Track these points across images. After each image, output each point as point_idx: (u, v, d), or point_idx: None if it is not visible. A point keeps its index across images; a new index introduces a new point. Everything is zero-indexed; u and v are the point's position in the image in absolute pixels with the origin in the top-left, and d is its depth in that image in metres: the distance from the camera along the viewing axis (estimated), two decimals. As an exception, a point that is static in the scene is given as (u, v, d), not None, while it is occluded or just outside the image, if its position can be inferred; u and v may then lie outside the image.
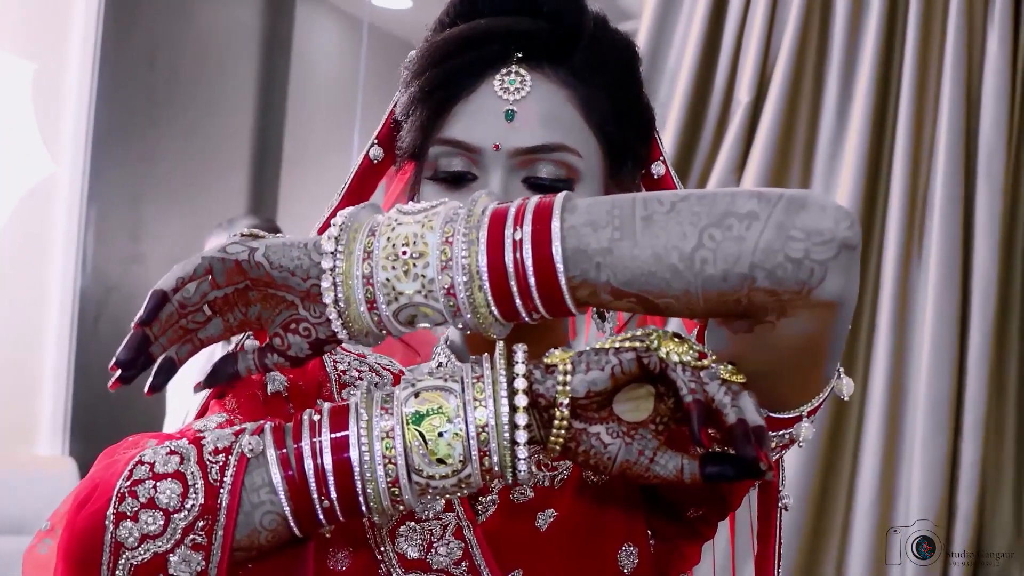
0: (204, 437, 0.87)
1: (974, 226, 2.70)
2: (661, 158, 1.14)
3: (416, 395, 0.85)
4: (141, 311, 0.89)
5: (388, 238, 0.85)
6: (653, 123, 1.13)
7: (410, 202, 0.89)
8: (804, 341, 0.86)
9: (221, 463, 0.85)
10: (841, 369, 0.97)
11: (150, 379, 0.91)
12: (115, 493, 0.84)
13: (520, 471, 0.84)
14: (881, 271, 2.75)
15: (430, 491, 0.85)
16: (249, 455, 0.85)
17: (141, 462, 0.85)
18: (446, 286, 0.84)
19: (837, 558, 2.75)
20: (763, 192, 0.81)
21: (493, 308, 0.85)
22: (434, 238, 0.84)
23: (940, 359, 2.65)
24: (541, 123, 1.02)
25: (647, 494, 1.06)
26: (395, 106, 1.12)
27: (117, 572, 0.83)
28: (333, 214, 1.10)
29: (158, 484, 0.84)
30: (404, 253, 0.85)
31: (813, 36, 2.86)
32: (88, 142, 3.99)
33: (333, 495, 0.84)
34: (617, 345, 0.85)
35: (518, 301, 0.84)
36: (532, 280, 0.83)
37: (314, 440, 0.84)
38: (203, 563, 0.83)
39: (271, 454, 0.85)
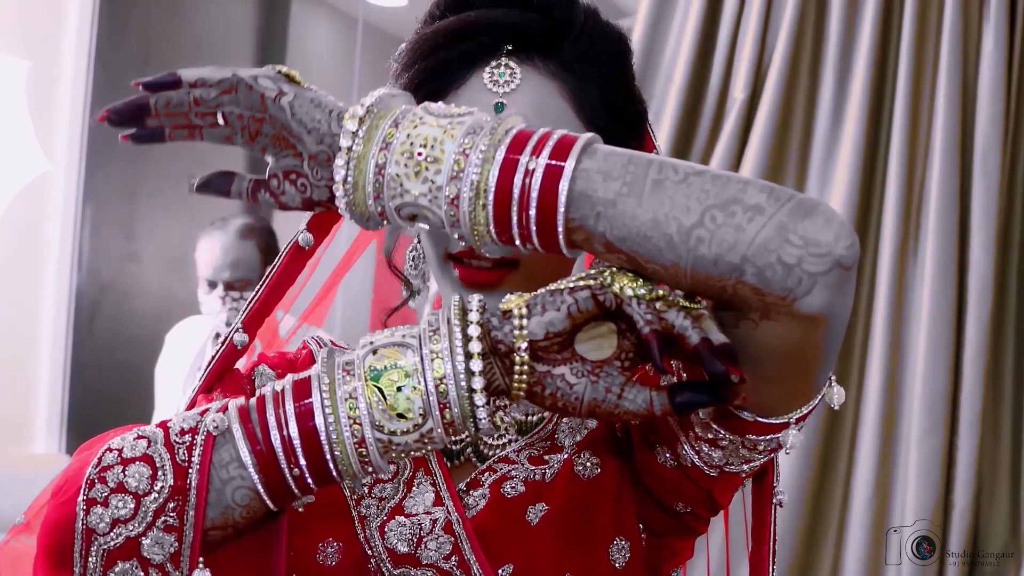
0: (170, 420, 0.87)
1: (970, 223, 2.70)
2: (654, 151, 1.14)
3: (374, 352, 0.85)
4: (151, 77, 0.90)
5: (408, 135, 0.85)
6: (645, 116, 1.13)
7: (440, 103, 0.89)
8: (786, 349, 0.86)
9: (188, 443, 0.85)
10: (833, 378, 0.96)
11: (134, 129, 0.92)
12: (84, 480, 0.84)
13: (480, 419, 0.84)
14: (877, 268, 2.75)
15: (393, 448, 0.85)
16: (215, 432, 0.85)
17: (109, 449, 0.86)
18: (451, 196, 0.84)
19: (833, 556, 2.74)
20: (775, 189, 0.81)
21: (491, 228, 0.85)
22: (451, 147, 0.84)
23: (936, 356, 2.65)
24: (531, 116, 1.01)
25: (638, 487, 1.06)
26: None
27: (90, 559, 0.83)
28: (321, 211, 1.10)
29: (127, 468, 0.84)
30: (419, 154, 0.85)
31: (808, 33, 2.86)
32: (83, 140, 3.98)
33: (302, 462, 0.84)
34: (572, 284, 0.85)
35: (515, 229, 0.85)
36: (533, 212, 0.83)
37: (278, 412, 0.85)
38: (176, 544, 0.83)
39: (237, 431, 0.85)
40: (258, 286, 1.13)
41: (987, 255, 2.66)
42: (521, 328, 0.84)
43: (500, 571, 1.00)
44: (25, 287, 3.96)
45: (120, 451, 0.85)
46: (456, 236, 0.87)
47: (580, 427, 1.08)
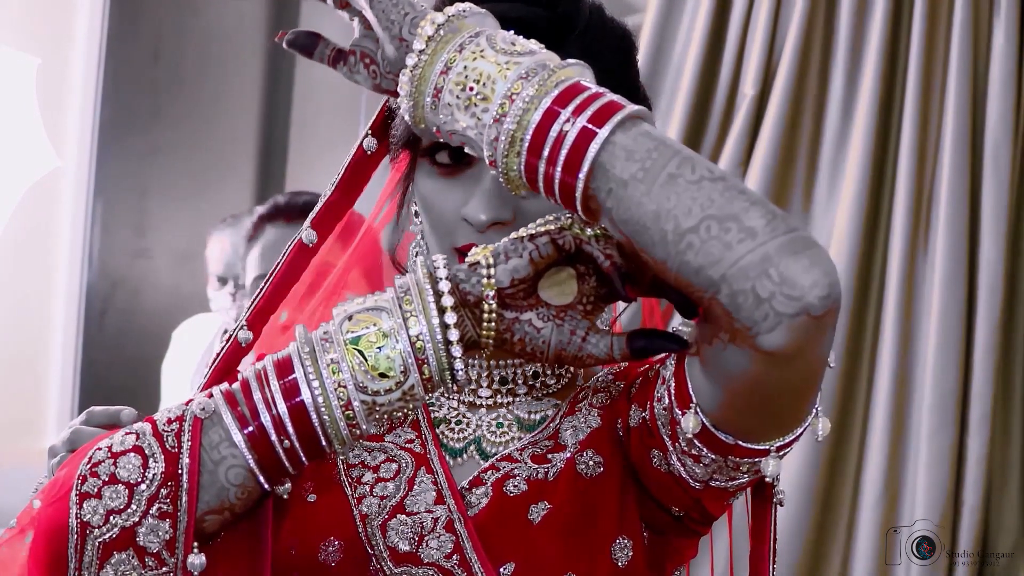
0: (156, 415, 0.89)
1: (980, 220, 2.69)
2: None
3: (349, 318, 0.88)
4: None
5: (466, 66, 0.89)
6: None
7: (511, 34, 0.91)
8: (750, 378, 0.87)
9: (176, 430, 0.87)
10: (819, 409, 0.96)
11: None
12: (76, 477, 0.85)
13: (457, 370, 0.87)
14: (887, 265, 2.74)
15: (378, 409, 0.88)
16: (202, 416, 0.87)
17: (99, 448, 0.87)
18: (492, 137, 0.87)
19: (842, 555, 2.74)
20: (778, 218, 0.81)
21: (522, 175, 0.88)
22: (501, 88, 0.87)
23: (946, 354, 2.64)
24: None
25: (639, 486, 1.05)
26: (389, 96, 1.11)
27: (86, 552, 0.84)
28: (325, 207, 1.11)
29: (117, 461, 0.86)
30: (471, 89, 0.88)
31: (818, 29, 2.85)
32: (93, 137, 3.98)
33: (291, 432, 0.86)
34: (532, 232, 0.90)
35: (540, 182, 0.87)
36: (558, 172, 0.85)
37: (264, 391, 0.86)
38: (171, 531, 0.85)
39: (226, 415, 0.87)
40: (262, 283, 1.13)
41: (997, 252, 2.65)
42: (489, 277, 0.88)
43: (502, 570, 1.00)
44: (35, 283, 3.97)
45: (110, 447, 0.87)
46: (492, 171, 0.91)
47: (583, 426, 1.08)
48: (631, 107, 0.86)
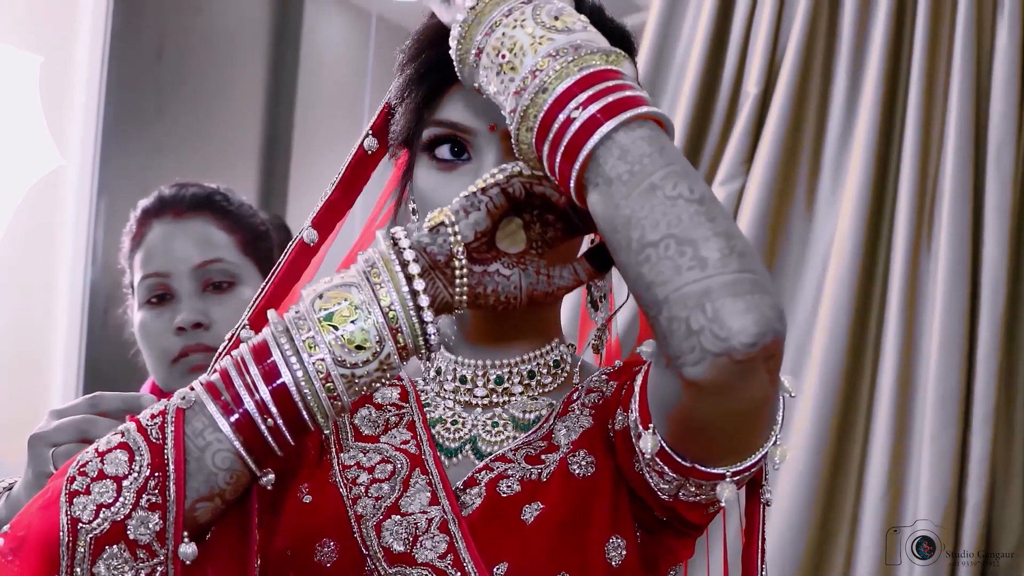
0: (140, 414, 0.90)
1: (983, 219, 2.68)
2: None
3: (320, 297, 0.89)
4: None
5: (504, 33, 0.91)
6: None
7: (560, 6, 0.93)
8: (682, 406, 0.88)
9: (159, 423, 0.88)
10: (777, 437, 0.97)
11: None
12: (65, 479, 0.86)
13: (430, 335, 0.89)
14: (890, 263, 2.74)
15: (357, 381, 0.89)
16: (184, 405, 0.88)
17: (86, 451, 0.89)
18: (511, 108, 0.90)
19: (846, 553, 2.73)
20: (734, 254, 0.81)
21: (533, 150, 0.90)
22: (528, 63, 0.89)
23: (949, 352, 2.64)
24: None
25: (630, 488, 1.05)
26: (390, 95, 1.12)
27: (78, 548, 0.85)
28: (326, 206, 1.11)
29: (104, 457, 0.87)
30: (504, 57, 0.91)
31: (822, 27, 2.85)
32: (96, 135, 3.98)
33: (274, 411, 0.87)
34: (482, 186, 0.93)
35: (544, 161, 0.89)
36: (559, 157, 0.87)
37: (245, 378, 0.88)
38: (160, 522, 0.86)
39: (210, 405, 0.88)
40: (263, 283, 1.13)
41: (1000, 251, 2.65)
42: (455, 234, 0.90)
43: (495, 570, 1.00)
44: (39, 281, 3.97)
45: (96, 448, 0.88)
46: (510, 139, 0.93)
47: (576, 426, 1.08)
48: (647, 108, 0.86)
